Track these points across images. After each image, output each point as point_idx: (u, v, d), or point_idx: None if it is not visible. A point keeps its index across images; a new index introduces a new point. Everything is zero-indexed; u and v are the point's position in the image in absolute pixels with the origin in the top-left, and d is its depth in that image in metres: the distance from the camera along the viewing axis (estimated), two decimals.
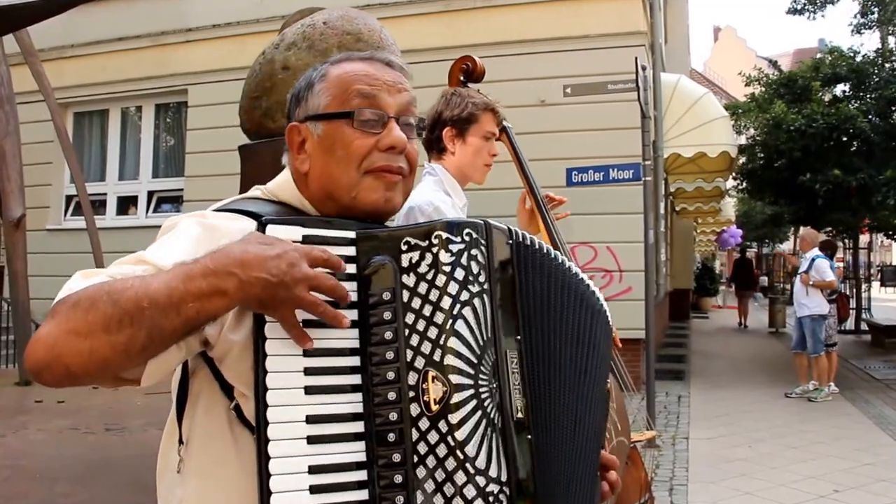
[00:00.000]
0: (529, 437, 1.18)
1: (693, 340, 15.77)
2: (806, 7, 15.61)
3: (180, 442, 1.23)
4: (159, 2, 11.92)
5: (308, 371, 1.12)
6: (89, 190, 11.43)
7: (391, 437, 1.13)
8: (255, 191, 1.39)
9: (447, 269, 1.15)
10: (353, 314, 1.16)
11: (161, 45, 11.67)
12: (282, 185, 1.38)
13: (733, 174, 15.36)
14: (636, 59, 7.53)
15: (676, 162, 11.81)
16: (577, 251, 9.07)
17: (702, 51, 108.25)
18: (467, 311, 1.15)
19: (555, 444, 1.24)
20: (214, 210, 1.30)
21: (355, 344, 1.16)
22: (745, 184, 17.24)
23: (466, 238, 1.17)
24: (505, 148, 2.97)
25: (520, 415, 1.18)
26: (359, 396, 1.15)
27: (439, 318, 1.14)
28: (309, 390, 1.12)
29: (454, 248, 1.16)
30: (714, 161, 11.42)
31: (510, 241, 1.24)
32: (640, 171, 7.71)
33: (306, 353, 1.12)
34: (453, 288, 1.15)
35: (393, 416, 1.14)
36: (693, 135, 10.75)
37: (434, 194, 2.60)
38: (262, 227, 1.15)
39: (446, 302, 1.14)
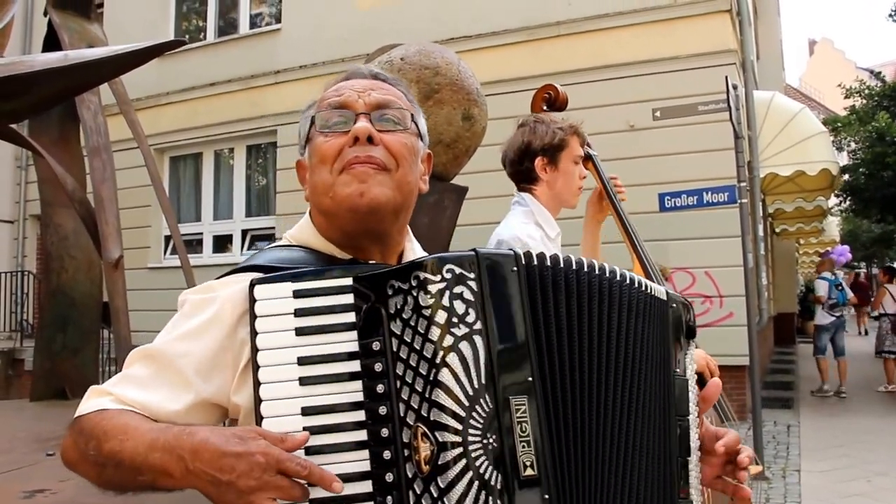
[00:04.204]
0: (547, 496, 1.04)
1: (801, 366, 15.07)
2: None
3: None
4: (248, 47, 12.37)
5: (307, 430, 1.06)
6: (186, 230, 11.91)
7: (389, 500, 1.05)
8: (283, 238, 1.38)
9: (428, 312, 1.05)
10: (355, 366, 1.10)
11: (251, 89, 12.05)
12: (302, 226, 1.36)
13: (835, 192, 14.78)
14: (726, 77, 7.32)
15: (774, 182, 11.49)
16: (675, 277, 8.85)
17: (797, 66, 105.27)
18: (452, 358, 1.04)
19: (590, 496, 1.10)
20: (244, 262, 1.30)
21: (359, 397, 1.09)
22: (848, 201, 16.56)
23: (447, 276, 1.06)
24: (591, 174, 2.89)
25: (529, 472, 1.03)
26: (366, 454, 1.07)
27: (424, 367, 1.05)
28: (310, 451, 1.05)
29: (433, 288, 1.06)
30: (814, 179, 11.09)
31: (516, 268, 1.10)
32: (735, 194, 7.52)
33: (304, 413, 1.07)
34: (435, 333, 1.05)
35: (389, 477, 1.05)
36: (790, 153, 10.48)
37: (523, 227, 2.57)
38: (251, 289, 1.13)
39: (429, 349, 1.05)
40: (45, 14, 5.96)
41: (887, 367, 11.81)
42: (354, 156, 1.23)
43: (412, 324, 1.06)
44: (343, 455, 1.06)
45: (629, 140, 9.11)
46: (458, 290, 1.06)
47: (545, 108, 2.98)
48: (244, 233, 12.46)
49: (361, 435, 1.08)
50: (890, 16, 15.23)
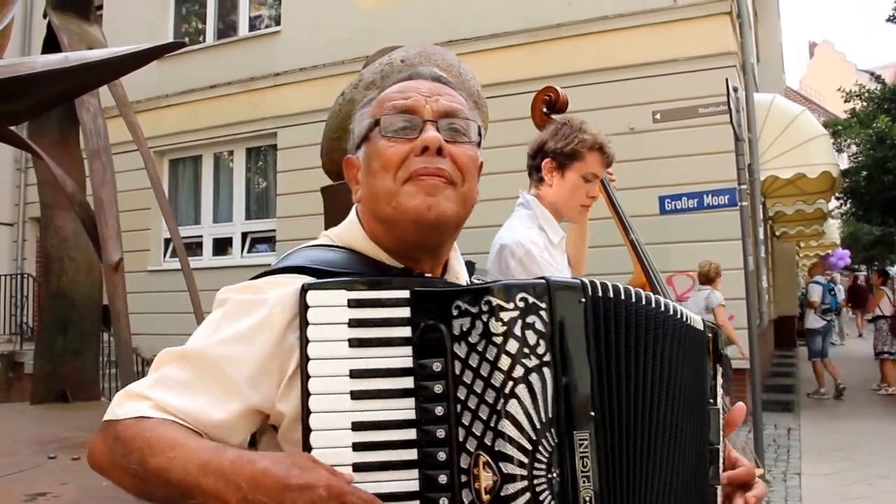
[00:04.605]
0: None
1: (801, 369, 15.00)
2: None
3: None
4: (249, 49, 12.36)
5: (357, 447, 1.04)
6: (186, 233, 11.88)
7: None
8: (323, 237, 1.32)
9: (498, 340, 1.04)
10: (408, 382, 1.08)
11: (251, 91, 12.04)
12: (347, 227, 1.31)
13: (836, 194, 14.75)
14: (727, 80, 7.29)
15: (774, 184, 11.46)
16: (675, 280, 8.82)
17: (797, 68, 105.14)
18: (521, 390, 1.03)
19: None
20: (276, 264, 1.24)
21: (411, 415, 1.07)
22: (848, 204, 16.52)
23: (521, 304, 1.05)
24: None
25: None
26: (414, 473, 1.05)
27: (490, 396, 1.03)
28: (357, 467, 1.03)
29: (506, 316, 1.04)
30: (814, 182, 11.07)
31: (584, 300, 1.10)
32: (735, 196, 7.48)
33: (354, 427, 1.04)
34: (505, 362, 1.03)
35: (444, 501, 1.04)
36: (791, 155, 10.45)
37: (526, 233, 2.51)
38: (303, 294, 1.08)
39: (497, 378, 1.03)
40: (45, 16, 5.91)
41: (885, 368, 11.83)
42: (423, 167, 1.18)
43: (480, 349, 1.05)
44: (391, 473, 1.04)
45: (629, 142, 9.04)
46: (530, 319, 1.05)
47: (545, 110, 2.95)
48: (244, 235, 12.44)
49: (411, 454, 1.06)
50: (889, 18, 15.17)
